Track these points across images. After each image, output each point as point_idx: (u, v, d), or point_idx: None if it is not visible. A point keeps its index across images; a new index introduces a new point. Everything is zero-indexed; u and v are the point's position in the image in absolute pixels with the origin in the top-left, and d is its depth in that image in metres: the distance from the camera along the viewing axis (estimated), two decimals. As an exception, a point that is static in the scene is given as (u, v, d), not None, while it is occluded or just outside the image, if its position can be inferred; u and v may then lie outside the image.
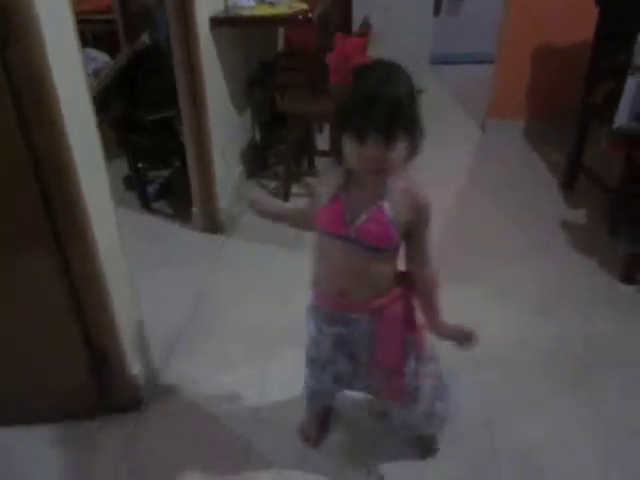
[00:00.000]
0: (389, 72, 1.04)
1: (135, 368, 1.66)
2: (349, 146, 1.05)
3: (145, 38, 2.89)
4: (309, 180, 3.10)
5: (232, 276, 2.32)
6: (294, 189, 2.95)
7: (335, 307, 1.26)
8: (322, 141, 3.40)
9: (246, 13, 2.50)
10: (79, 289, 1.44)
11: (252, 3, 2.57)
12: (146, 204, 2.87)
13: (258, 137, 3.35)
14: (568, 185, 2.96)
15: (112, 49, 3.25)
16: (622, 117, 2.28)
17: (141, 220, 2.75)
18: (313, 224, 1.21)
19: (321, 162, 3.17)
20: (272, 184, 3.10)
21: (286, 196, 2.90)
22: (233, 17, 2.47)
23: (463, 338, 1.25)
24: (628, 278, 2.23)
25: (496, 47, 3.55)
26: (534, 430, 1.60)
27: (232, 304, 2.14)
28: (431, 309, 1.26)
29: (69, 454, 1.56)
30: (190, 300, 2.16)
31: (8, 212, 1.31)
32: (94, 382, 1.60)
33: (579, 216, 2.72)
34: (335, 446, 1.56)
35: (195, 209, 2.60)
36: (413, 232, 1.16)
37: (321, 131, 3.62)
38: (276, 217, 1.45)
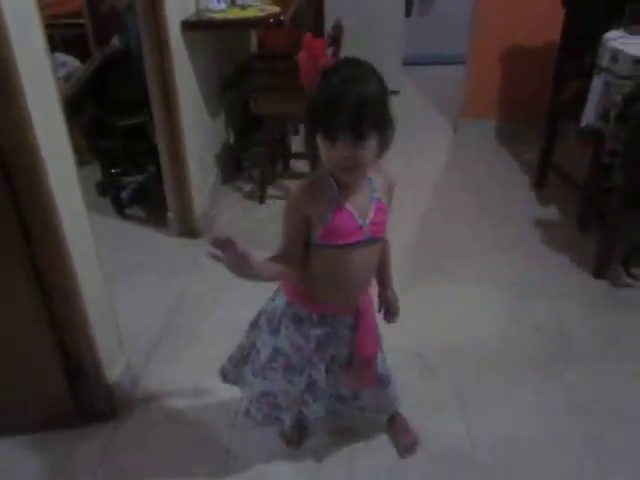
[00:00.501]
0: (356, 71, 1.03)
1: (113, 375, 1.64)
2: (322, 147, 1.05)
3: (115, 42, 2.87)
4: (284, 182, 3.10)
5: (210, 279, 2.30)
6: (269, 191, 2.95)
7: (332, 311, 1.27)
8: (298, 143, 3.41)
9: (217, 17, 2.49)
10: (52, 295, 1.42)
11: (223, 6, 2.57)
12: (120, 210, 2.84)
13: (232, 140, 3.34)
14: (539, 183, 3.02)
15: (82, 54, 3.21)
16: (589, 115, 2.33)
17: (115, 226, 2.72)
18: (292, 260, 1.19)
19: (296, 164, 3.18)
20: (247, 187, 3.10)
21: (262, 199, 2.90)
22: (204, 21, 2.46)
23: (395, 309, 1.40)
24: (600, 273, 2.28)
25: (467, 48, 3.60)
26: (509, 420, 1.63)
27: (211, 307, 2.13)
28: (388, 274, 1.38)
29: (46, 464, 1.53)
30: (168, 304, 2.15)
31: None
32: (70, 390, 1.57)
33: (551, 213, 2.78)
34: (317, 446, 1.56)
35: (170, 214, 2.58)
36: None
37: (297, 133, 3.62)
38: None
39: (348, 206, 1.13)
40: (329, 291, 1.23)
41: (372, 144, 1.04)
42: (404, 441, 1.55)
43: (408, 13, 4.65)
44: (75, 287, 1.43)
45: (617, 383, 1.77)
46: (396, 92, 4.41)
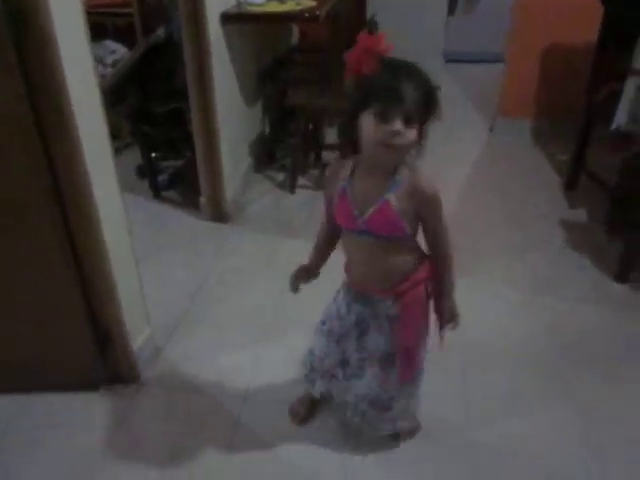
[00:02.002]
0: (412, 66, 1.16)
1: (137, 343, 1.76)
2: (368, 125, 1.12)
3: (160, 32, 3.00)
4: (315, 173, 3.18)
5: (235, 263, 2.41)
6: (300, 181, 3.04)
7: (360, 289, 1.38)
8: (331, 135, 3.48)
9: (255, 10, 2.58)
10: (83, 264, 1.54)
11: (262, 0, 2.65)
12: (157, 193, 2.98)
13: (267, 131, 3.43)
14: (570, 185, 3.00)
15: (131, 41, 3.36)
16: (620, 118, 2.32)
17: (151, 208, 2.85)
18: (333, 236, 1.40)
19: (329, 156, 3.24)
20: (279, 176, 3.18)
21: (292, 188, 2.99)
22: (242, 13, 2.55)
23: (452, 318, 1.39)
24: (622, 277, 2.27)
25: (506, 47, 3.59)
26: (511, 417, 1.67)
27: (233, 289, 2.23)
28: (445, 286, 1.36)
29: (72, 423, 1.66)
30: (193, 284, 2.26)
31: (20, 181, 1.41)
32: (98, 355, 1.70)
33: (579, 216, 2.76)
34: (319, 428, 1.64)
35: (203, 198, 2.70)
36: (424, 221, 1.25)
37: (331, 125, 3.69)
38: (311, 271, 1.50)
39: (349, 194, 1.23)
40: (354, 269, 1.37)
41: (414, 132, 1.13)
42: (403, 426, 1.59)
43: (451, 12, 4.63)
44: (104, 257, 1.55)
45: (628, 388, 1.78)
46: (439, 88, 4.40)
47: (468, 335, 1.96)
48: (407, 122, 1.10)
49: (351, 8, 3.70)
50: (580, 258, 2.42)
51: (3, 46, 1.22)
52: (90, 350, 1.69)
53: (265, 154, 3.33)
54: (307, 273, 1.47)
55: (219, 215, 2.71)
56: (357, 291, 1.39)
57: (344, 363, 1.48)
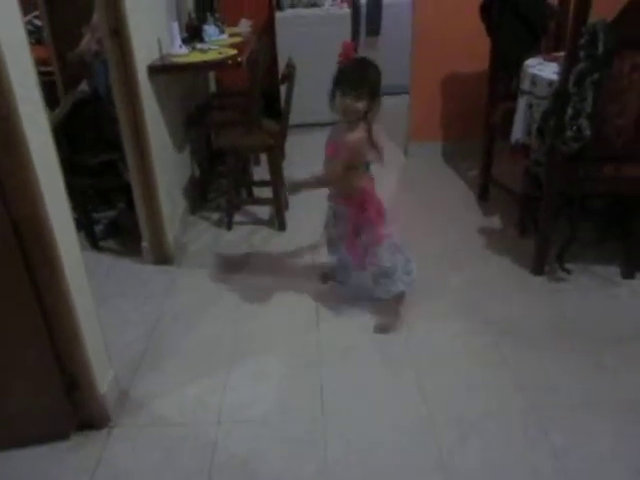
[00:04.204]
0: (367, 62, 1.98)
1: (103, 387, 1.80)
2: (338, 100, 1.92)
3: (84, 87, 3.07)
4: (249, 209, 3.32)
5: (185, 300, 2.48)
6: (235, 218, 3.16)
7: (334, 201, 2.20)
8: (259, 172, 3.65)
9: (180, 60, 2.72)
10: (51, 318, 1.60)
11: (185, 51, 2.81)
12: (94, 243, 2.99)
13: (198, 173, 3.54)
14: (482, 196, 3.32)
15: (49, 99, 3.38)
16: (517, 132, 2.64)
17: (92, 258, 2.86)
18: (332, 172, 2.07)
19: (260, 192, 3.39)
20: (215, 215, 3.29)
21: (229, 225, 3.10)
22: (168, 65, 2.68)
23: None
24: (538, 270, 2.56)
25: (409, 78, 3.93)
26: (462, 400, 1.86)
27: (188, 324, 2.31)
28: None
29: (47, 476, 1.67)
30: (148, 324, 2.31)
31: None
32: (66, 402, 1.72)
33: (493, 222, 3.07)
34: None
35: (145, 243, 2.76)
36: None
37: (258, 163, 3.86)
38: (306, 186, 2.21)
39: (329, 139, 2.09)
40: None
41: (363, 104, 1.91)
42: (382, 321, 2.22)
43: (355, 49, 5.02)
44: (70, 303, 1.60)
45: (555, 358, 2.04)
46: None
47: (416, 337, 2.18)
48: (357, 98, 1.88)
49: (267, 54, 3.92)
50: (500, 258, 2.70)
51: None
52: (58, 398, 1.71)
53: (198, 196, 3.44)
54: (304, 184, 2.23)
55: (162, 258, 2.77)
56: (332, 202, 2.21)
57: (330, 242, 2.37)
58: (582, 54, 2.10)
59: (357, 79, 1.88)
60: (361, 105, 1.90)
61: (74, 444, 1.75)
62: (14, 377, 1.66)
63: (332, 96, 1.94)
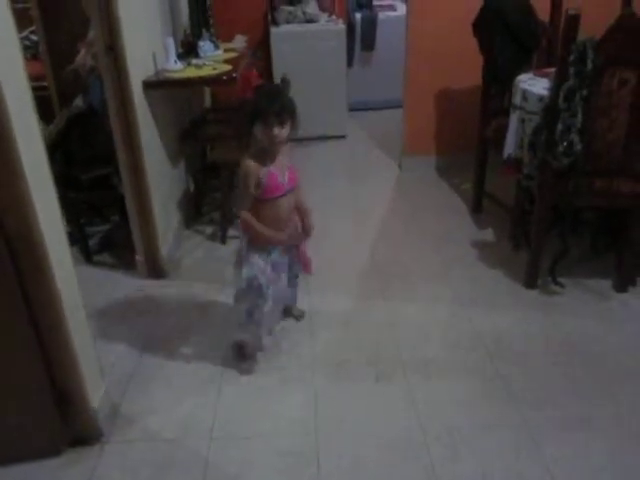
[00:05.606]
0: (276, 87, 2.03)
1: (95, 402, 1.79)
2: (260, 131, 1.84)
3: (79, 102, 3.09)
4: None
5: (178, 315, 2.48)
6: (230, 232, 3.16)
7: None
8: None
9: (175, 76, 2.75)
10: (44, 335, 1.59)
11: (180, 66, 2.83)
12: (88, 257, 2.99)
13: (192, 187, 3.56)
14: (476, 209, 3.34)
15: (45, 115, 3.39)
16: (509, 147, 2.67)
17: (86, 272, 2.85)
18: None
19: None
20: (209, 229, 3.30)
21: (223, 238, 3.11)
22: (163, 80, 2.71)
23: (309, 228, 2.12)
24: (530, 284, 2.57)
25: (403, 92, 3.97)
26: (452, 413, 1.86)
27: (180, 340, 2.30)
28: (304, 208, 2.11)
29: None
30: (139, 339, 2.31)
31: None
32: (58, 418, 1.71)
33: (487, 235, 3.09)
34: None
35: (139, 257, 2.76)
36: None
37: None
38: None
39: (274, 172, 1.91)
40: (273, 228, 1.97)
41: (287, 129, 1.86)
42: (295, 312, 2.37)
43: (350, 64, 5.09)
44: (63, 321, 1.60)
45: (548, 372, 2.05)
46: (343, 137, 4.76)
47: (408, 351, 2.18)
48: (281, 125, 1.83)
49: (262, 69, 3.97)
50: (493, 272, 2.71)
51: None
52: (50, 414, 1.71)
53: (193, 210, 3.45)
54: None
55: (156, 272, 2.77)
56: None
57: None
58: (571, 71, 2.14)
59: (280, 104, 1.82)
60: (286, 131, 1.86)
61: (66, 460, 1.74)
62: (5, 393, 1.65)
63: (248, 130, 1.86)
